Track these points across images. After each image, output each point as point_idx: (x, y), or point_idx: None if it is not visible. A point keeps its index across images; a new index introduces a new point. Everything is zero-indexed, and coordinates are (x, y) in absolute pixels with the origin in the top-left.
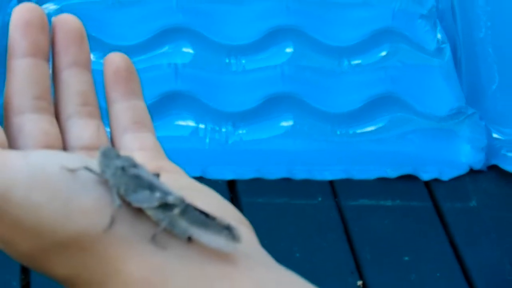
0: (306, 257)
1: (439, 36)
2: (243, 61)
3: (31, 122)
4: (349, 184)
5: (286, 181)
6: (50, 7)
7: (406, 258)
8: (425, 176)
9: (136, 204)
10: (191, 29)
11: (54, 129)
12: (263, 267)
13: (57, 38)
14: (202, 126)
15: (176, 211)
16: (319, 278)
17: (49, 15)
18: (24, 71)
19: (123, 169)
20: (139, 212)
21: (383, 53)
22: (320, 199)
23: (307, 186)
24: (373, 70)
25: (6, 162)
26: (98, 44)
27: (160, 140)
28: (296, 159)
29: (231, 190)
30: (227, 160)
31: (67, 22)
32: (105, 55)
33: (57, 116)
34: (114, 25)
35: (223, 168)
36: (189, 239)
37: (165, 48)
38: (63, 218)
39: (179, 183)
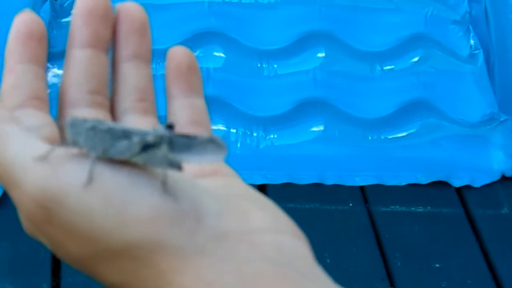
0: (337, 263)
1: (472, 42)
2: (275, 66)
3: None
4: (380, 190)
5: (317, 186)
6: None
7: (437, 265)
8: (457, 183)
9: (119, 157)
10: (223, 33)
11: None
12: (316, 283)
13: (119, 28)
14: (233, 130)
15: (163, 149)
16: (350, 284)
17: None
18: (82, 62)
19: (93, 128)
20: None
21: (416, 59)
22: (350, 204)
23: (338, 192)
24: (405, 75)
25: (61, 166)
26: None
27: None
28: (327, 165)
29: None
30: (258, 164)
31: (131, 11)
32: None
33: (112, 108)
34: None
35: (253, 173)
36: (179, 168)
37: (197, 52)
38: (117, 226)
39: (235, 190)
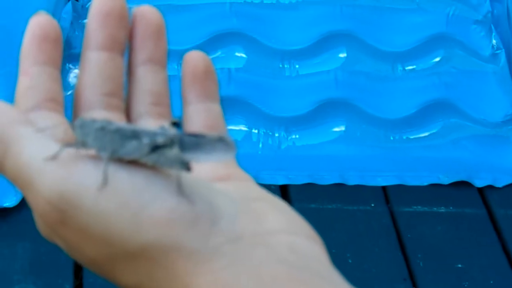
0: (358, 263)
1: (494, 41)
2: (297, 66)
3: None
4: (402, 190)
5: (339, 186)
6: None
7: (459, 266)
8: (479, 183)
9: (128, 157)
10: (245, 34)
11: None
12: (332, 286)
13: (135, 32)
14: (255, 131)
15: (175, 150)
16: (371, 284)
17: None
18: (98, 65)
19: (102, 128)
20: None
21: (437, 59)
22: (372, 205)
23: (360, 192)
24: (427, 75)
25: (77, 168)
26: None
27: None
28: (349, 165)
29: (284, 195)
30: (280, 165)
31: (147, 15)
32: None
33: (128, 111)
34: (168, 30)
35: (275, 173)
36: (188, 168)
37: (218, 53)
38: (133, 228)
39: (249, 193)
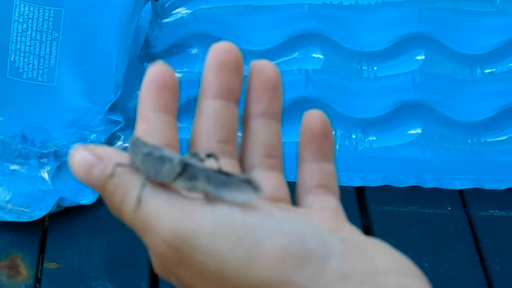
0: (435, 267)
1: None
2: (375, 68)
3: (214, 165)
4: (479, 194)
5: (415, 189)
6: (183, 11)
7: None
8: None
9: (163, 180)
10: (323, 35)
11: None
12: None
13: (252, 85)
14: (332, 132)
15: (202, 179)
16: None
17: (182, 19)
18: (213, 112)
19: (148, 154)
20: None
21: None
22: (449, 208)
23: (436, 195)
24: (506, 78)
25: (192, 209)
26: None
27: (290, 145)
28: (425, 167)
29: (359, 197)
30: (356, 167)
31: (265, 69)
32: None
33: (241, 161)
34: (246, 30)
35: (352, 175)
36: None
37: (296, 54)
38: (246, 265)
39: (357, 236)
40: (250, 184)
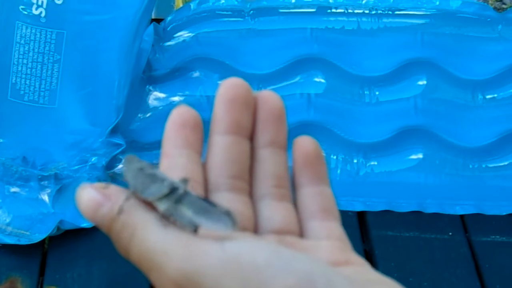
0: None
1: None
2: (377, 93)
3: (226, 201)
4: (480, 219)
5: (416, 214)
6: (185, 34)
7: None
8: None
9: (148, 197)
10: (325, 59)
11: (248, 210)
12: None
13: (258, 116)
14: (333, 156)
15: (189, 211)
16: None
17: (185, 43)
18: (224, 148)
19: (141, 169)
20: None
21: None
22: (450, 233)
23: (438, 220)
24: (508, 104)
25: (200, 248)
26: (232, 72)
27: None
28: (426, 193)
29: (361, 222)
30: (358, 191)
31: (269, 99)
32: None
33: (250, 192)
34: (248, 54)
35: (353, 199)
36: (195, 231)
37: (298, 78)
38: None
39: (367, 276)
40: (229, 216)
